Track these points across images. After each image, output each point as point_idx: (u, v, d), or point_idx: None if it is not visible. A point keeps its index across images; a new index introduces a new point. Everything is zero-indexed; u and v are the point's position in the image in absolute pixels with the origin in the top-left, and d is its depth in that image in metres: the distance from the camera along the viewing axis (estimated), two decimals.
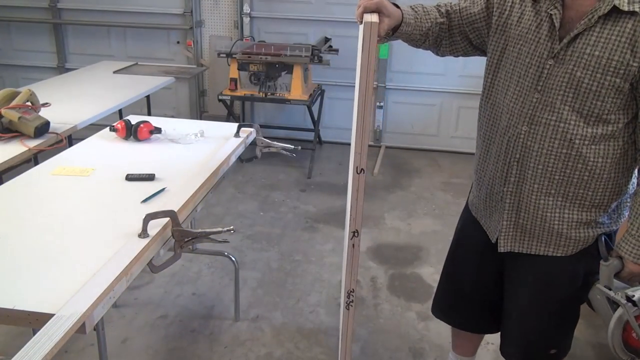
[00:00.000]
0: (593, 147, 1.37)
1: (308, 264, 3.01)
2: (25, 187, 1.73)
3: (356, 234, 1.56)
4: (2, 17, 4.92)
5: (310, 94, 4.22)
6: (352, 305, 1.66)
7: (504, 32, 1.46)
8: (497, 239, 1.57)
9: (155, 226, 1.46)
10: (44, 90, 2.86)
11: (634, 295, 1.40)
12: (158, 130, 2.19)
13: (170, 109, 4.94)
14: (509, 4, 1.45)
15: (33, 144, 2.17)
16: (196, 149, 2.10)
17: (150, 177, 1.81)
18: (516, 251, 1.54)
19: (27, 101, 2.30)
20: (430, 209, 3.72)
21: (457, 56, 1.63)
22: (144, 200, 1.65)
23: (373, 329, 2.50)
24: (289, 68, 4.07)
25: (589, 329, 2.52)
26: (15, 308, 1.15)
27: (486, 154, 1.56)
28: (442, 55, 1.63)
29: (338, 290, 2.79)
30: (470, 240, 1.71)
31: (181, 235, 1.50)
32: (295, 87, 4.11)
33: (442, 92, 4.63)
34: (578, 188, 1.42)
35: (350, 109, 4.97)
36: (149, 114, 3.78)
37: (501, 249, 1.56)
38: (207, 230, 1.54)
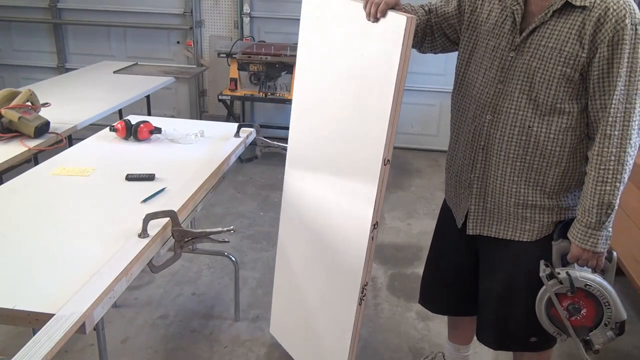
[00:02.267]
0: (551, 135, 1.45)
1: None
2: (25, 187, 1.73)
3: (376, 226, 1.62)
4: (2, 17, 4.92)
5: None
6: (364, 300, 1.75)
7: (474, 28, 1.57)
8: (463, 223, 1.65)
9: (155, 226, 1.46)
10: (44, 90, 2.86)
11: (559, 273, 1.48)
12: (158, 130, 2.19)
13: (170, 109, 4.95)
14: (479, 2, 1.56)
15: (33, 144, 2.17)
16: (196, 149, 2.10)
17: (150, 177, 1.81)
18: (485, 234, 1.62)
19: (27, 101, 2.30)
20: (430, 209, 3.72)
21: (436, 52, 1.72)
22: (144, 200, 1.65)
23: (373, 329, 2.50)
24: (289, 68, 4.07)
25: None
26: (15, 308, 1.15)
27: (455, 143, 1.65)
28: (423, 52, 1.72)
29: None
30: (447, 228, 1.78)
31: (181, 235, 1.50)
32: None
33: (442, 92, 4.63)
34: (538, 174, 1.50)
35: None
36: (149, 114, 3.78)
37: (469, 232, 1.64)
38: (207, 230, 1.54)
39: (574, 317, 1.51)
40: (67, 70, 4.79)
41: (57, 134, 2.29)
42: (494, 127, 1.51)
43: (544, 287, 1.51)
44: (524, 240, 1.58)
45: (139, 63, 4.01)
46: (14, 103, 2.24)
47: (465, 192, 1.63)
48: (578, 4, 1.36)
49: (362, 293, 1.72)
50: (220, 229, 1.53)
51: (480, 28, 1.55)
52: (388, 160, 1.54)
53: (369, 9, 1.47)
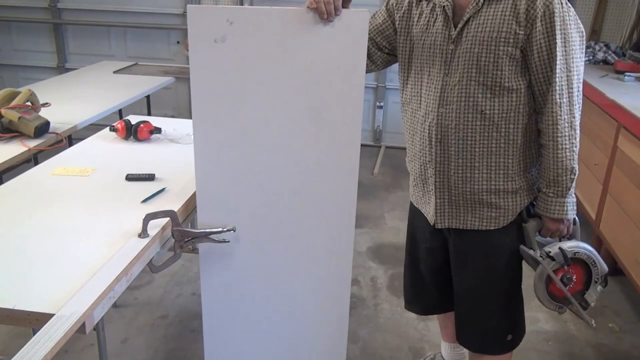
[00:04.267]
0: (504, 114, 1.50)
1: None
2: (25, 187, 1.73)
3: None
4: (2, 17, 4.92)
5: None
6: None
7: (407, 33, 1.61)
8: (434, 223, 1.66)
9: (155, 226, 1.46)
10: (44, 90, 2.86)
11: (550, 252, 1.53)
12: (158, 130, 2.19)
13: (170, 109, 4.95)
14: (406, 7, 1.61)
15: (33, 144, 2.17)
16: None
17: (150, 177, 1.81)
18: (454, 227, 1.64)
19: (27, 101, 2.30)
20: None
21: (379, 69, 1.75)
22: (144, 200, 1.65)
23: (373, 329, 2.50)
24: None
25: (589, 329, 2.52)
26: (15, 308, 1.15)
27: (412, 144, 1.68)
28: (366, 72, 1.64)
29: None
30: (418, 231, 1.80)
31: (181, 235, 1.50)
32: None
33: None
34: (499, 157, 1.53)
35: None
36: (149, 114, 3.78)
37: (438, 226, 1.65)
38: (207, 230, 1.54)
39: (568, 286, 1.57)
40: (67, 70, 4.79)
41: (57, 134, 2.29)
42: (447, 118, 1.54)
43: (540, 268, 1.55)
44: (492, 228, 1.60)
45: (139, 63, 4.01)
46: (14, 103, 2.24)
47: (429, 189, 1.65)
48: None
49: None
50: (220, 228, 1.53)
51: (412, 32, 1.60)
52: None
53: (322, 8, 1.34)
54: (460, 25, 1.49)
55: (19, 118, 2.17)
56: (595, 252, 1.58)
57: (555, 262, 1.53)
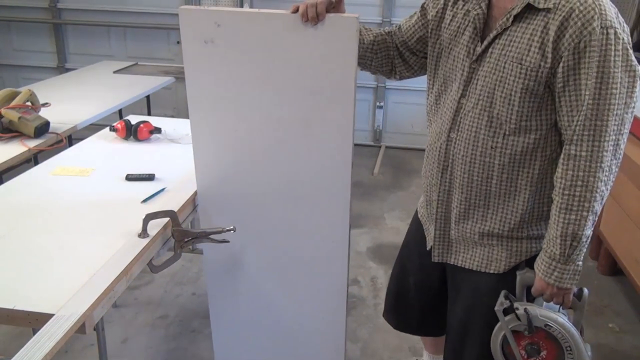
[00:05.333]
0: (516, 157, 1.29)
1: None
2: (25, 187, 1.73)
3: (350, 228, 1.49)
4: (2, 17, 4.92)
5: None
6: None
7: (438, 36, 1.42)
8: (431, 247, 1.51)
9: (155, 226, 1.46)
10: (44, 90, 2.86)
11: (517, 309, 1.32)
12: (158, 130, 2.19)
13: (170, 109, 4.95)
14: (441, 6, 1.41)
15: (33, 144, 2.17)
16: None
17: (150, 177, 1.81)
18: (451, 263, 1.49)
19: (27, 101, 2.31)
20: None
21: (419, 74, 1.57)
22: (144, 200, 1.65)
23: (373, 329, 2.50)
24: None
25: (589, 329, 2.52)
26: (15, 308, 1.15)
27: (427, 159, 1.50)
28: (400, 78, 1.58)
29: None
30: (416, 242, 1.62)
31: (181, 235, 1.50)
32: None
33: None
34: (505, 201, 1.34)
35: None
36: (149, 114, 3.78)
37: (434, 259, 1.50)
38: (207, 230, 1.54)
39: (532, 358, 1.36)
40: (67, 70, 4.79)
41: (57, 134, 2.29)
42: (457, 146, 1.36)
43: (499, 323, 1.35)
44: (491, 272, 1.41)
45: (139, 63, 4.01)
46: (14, 103, 2.24)
47: (432, 213, 1.49)
48: (541, 6, 1.19)
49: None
50: (220, 228, 1.53)
51: (443, 35, 1.40)
52: (352, 162, 1.47)
53: (304, 9, 1.32)
54: (485, 42, 1.28)
55: (19, 118, 2.18)
56: (578, 339, 1.33)
57: (519, 323, 1.32)
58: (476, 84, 1.31)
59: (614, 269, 2.95)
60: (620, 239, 2.74)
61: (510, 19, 1.23)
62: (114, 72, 3.65)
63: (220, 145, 1.55)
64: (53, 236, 1.44)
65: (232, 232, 1.53)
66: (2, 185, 1.75)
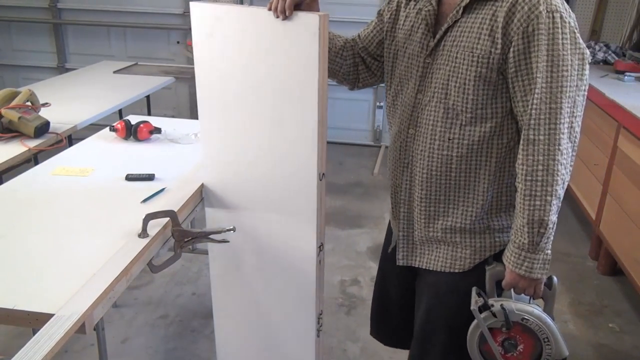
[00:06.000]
0: (474, 147, 1.29)
1: None
2: (25, 187, 1.73)
3: (322, 247, 1.44)
4: (2, 17, 4.92)
5: None
6: (321, 331, 1.54)
7: (393, 37, 1.42)
8: (393, 248, 1.48)
9: (155, 226, 1.46)
10: (44, 90, 2.86)
11: (493, 305, 1.29)
12: (158, 130, 2.19)
13: (170, 109, 4.95)
14: (394, 8, 1.43)
15: (33, 144, 2.17)
16: (196, 149, 2.10)
17: (150, 177, 1.81)
18: (415, 265, 1.45)
19: (27, 101, 2.31)
20: None
21: (378, 82, 1.56)
22: (144, 200, 1.65)
23: None
24: None
25: (589, 329, 2.52)
26: (15, 308, 1.15)
27: (389, 161, 1.48)
28: (364, 86, 1.58)
29: (338, 290, 2.79)
30: (391, 253, 1.55)
31: (181, 235, 1.50)
32: None
33: None
34: (466, 192, 1.33)
35: (351, 109, 4.99)
36: (149, 114, 3.78)
37: (399, 262, 1.47)
38: (207, 230, 1.54)
39: (510, 354, 1.33)
40: (67, 70, 4.79)
41: (57, 134, 2.29)
42: (416, 142, 1.35)
43: (475, 321, 1.31)
44: (456, 271, 1.38)
45: (139, 63, 4.01)
46: (14, 103, 2.24)
47: (397, 215, 1.46)
48: None
49: (318, 324, 1.57)
50: (220, 228, 1.53)
51: (397, 35, 1.40)
52: (323, 174, 1.42)
53: (275, 3, 1.30)
54: (438, 36, 1.29)
55: (19, 118, 2.17)
56: (555, 330, 1.29)
57: (496, 320, 1.29)
58: (431, 77, 1.31)
59: (614, 269, 2.95)
60: (620, 239, 2.74)
61: (460, 11, 1.25)
62: (114, 72, 3.65)
63: (219, 142, 1.59)
64: (53, 236, 1.44)
65: (232, 232, 1.53)
66: (2, 185, 1.75)
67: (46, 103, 2.41)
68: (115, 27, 4.89)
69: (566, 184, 1.23)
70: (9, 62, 5.12)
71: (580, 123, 1.22)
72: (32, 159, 2.22)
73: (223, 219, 1.67)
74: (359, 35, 1.53)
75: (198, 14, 1.48)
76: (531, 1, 1.17)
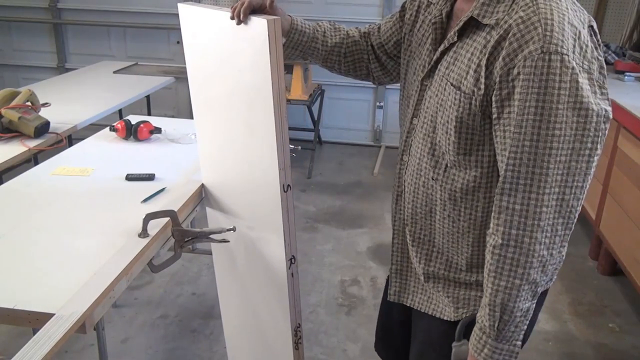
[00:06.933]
0: (457, 195, 1.09)
1: (308, 264, 3.00)
2: (25, 187, 1.73)
3: (293, 260, 1.37)
4: (2, 17, 4.92)
5: (310, 94, 4.22)
6: (301, 343, 1.49)
7: (410, 42, 1.23)
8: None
9: (155, 226, 1.46)
10: (44, 90, 2.86)
11: None
12: (158, 130, 2.19)
13: (170, 109, 4.95)
14: (415, 8, 1.23)
15: (33, 144, 2.17)
16: (196, 149, 2.10)
17: (150, 177, 1.81)
18: (407, 304, 1.30)
19: (27, 101, 2.31)
20: None
21: (395, 81, 1.38)
22: (144, 200, 1.65)
23: (373, 329, 2.49)
24: (289, 68, 4.06)
25: (589, 329, 2.52)
26: (15, 308, 1.15)
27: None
28: (380, 83, 1.41)
29: (338, 290, 2.79)
30: None
31: (181, 235, 1.50)
32: (296, 87, 4.11)
33: None
34: (450, 241, 1.15)
35: (351, 109, 4.99)
36: (149, 114, 3.78)
37: (390, 297, 1.32)
38: (207, 230, 1.54)
39: None
40: (67, 70, 4.79)
41: (57, 134, 2.29)
42: (407, 171, 1.19)
43: None
44: (445, 318, 1.20)
45: (139, 63, 4.02)
46: (14, 103, 2.24)
47: (392, 246, 1.31)
48: (485, 21, 0.99)
49: (296, 336, 1.50)
50: (220, 228, 1.53)
51: (412, 41, 1.22)
52: (288, 186, 1.30)
53: (236, 8, 1.20)
54: (435, 58, 1.10)
55: (19, 118, 2.18)
56: None
57: None
58: (425, 104, 1.13)
59: (614, 269, 2.95)
60: (620, 239, 2.74)
61: (455, 36, 1.05)
62: (114, 72, 3.65)
63: (210, 143, 1.61)
64: (53, 236, 1.44)
65: (232, 231, 1.53)
66: (2, 185, 1.75)
67: (46, 103, 2.41)
68: (115, 27, 4.89)
69: (550, 268, 0.99)
70: (9, 62, 5.12)
71: (581, 196, 0.96)
72: (32, 159, 2.23)
73: (223, 218, 1.67)
74: (379, 28, 1.34)
75: (184, 14, 1.51)
76: (524, 37, 0.92)
